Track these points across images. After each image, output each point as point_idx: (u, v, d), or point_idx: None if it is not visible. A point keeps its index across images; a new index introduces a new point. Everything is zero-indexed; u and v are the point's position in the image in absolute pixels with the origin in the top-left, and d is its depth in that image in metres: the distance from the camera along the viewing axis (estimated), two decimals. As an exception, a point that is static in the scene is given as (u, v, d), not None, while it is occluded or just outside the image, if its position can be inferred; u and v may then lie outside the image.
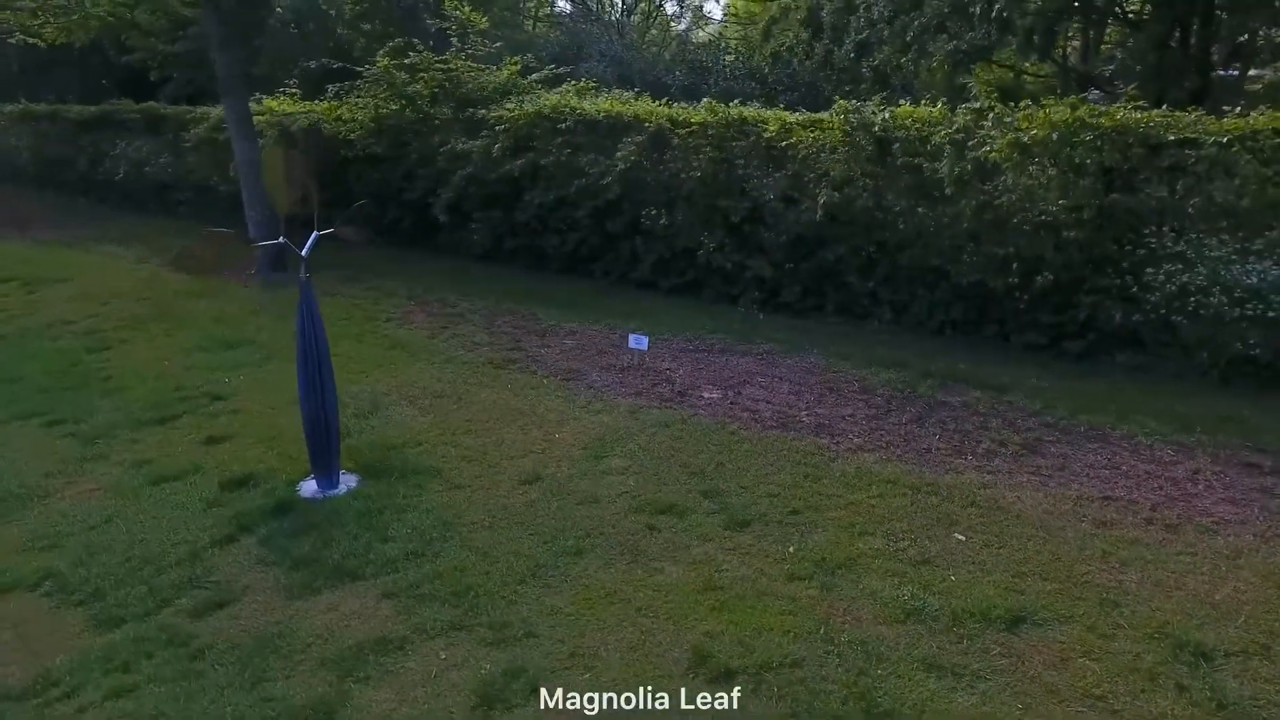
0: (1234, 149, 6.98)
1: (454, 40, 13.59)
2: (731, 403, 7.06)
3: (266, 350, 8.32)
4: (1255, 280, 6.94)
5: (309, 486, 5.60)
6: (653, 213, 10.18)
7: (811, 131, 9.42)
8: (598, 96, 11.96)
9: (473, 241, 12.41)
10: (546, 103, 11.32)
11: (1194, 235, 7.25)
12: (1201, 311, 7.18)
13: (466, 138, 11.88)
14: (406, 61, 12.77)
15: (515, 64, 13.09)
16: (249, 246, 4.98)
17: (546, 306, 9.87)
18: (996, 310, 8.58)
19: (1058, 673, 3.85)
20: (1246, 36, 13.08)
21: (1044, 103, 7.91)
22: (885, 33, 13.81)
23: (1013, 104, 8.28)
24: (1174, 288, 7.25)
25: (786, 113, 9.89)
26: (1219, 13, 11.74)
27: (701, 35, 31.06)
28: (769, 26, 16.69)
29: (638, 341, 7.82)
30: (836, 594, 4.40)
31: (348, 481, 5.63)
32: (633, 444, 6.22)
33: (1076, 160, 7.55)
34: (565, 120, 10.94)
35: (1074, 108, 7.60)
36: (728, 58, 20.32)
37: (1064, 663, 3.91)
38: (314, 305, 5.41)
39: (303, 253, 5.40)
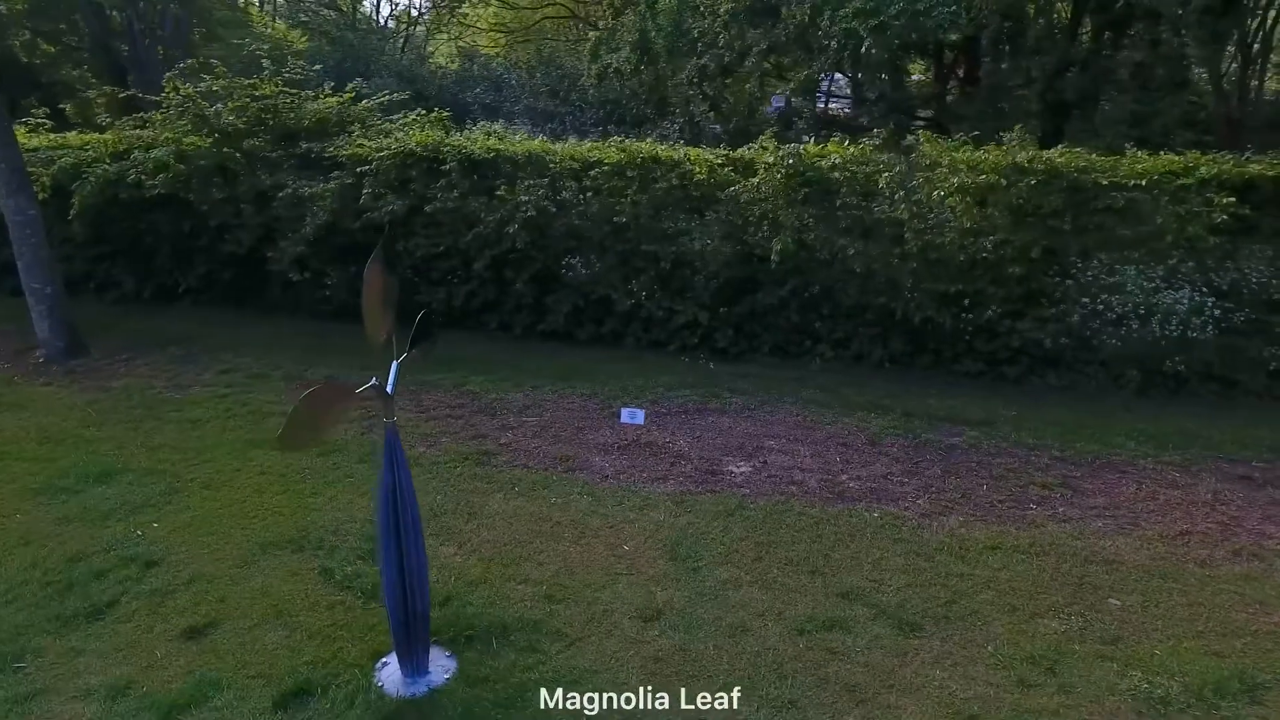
0: (1153, 191, 7.85)
1: (265, 63, 11.57)
2: (769, 476, 6.60)
3: (163, 477, 6.38)
4: (1177, 305, 7.87)
5: (391, 676, 4.29)
6: (572, 260, 9.37)
7: (743, 174, 9.20)
8: (455, 131, 10.81)
9: (320, 299, 10.70)
10: (417, 139, 9.99)
11: (1122, 267, 8.07)
12: (1134, 335, 8.01)
13: (298, 178, 10.18)
14: (215, 88, 10.67)
15: (350, 92, 11.46)
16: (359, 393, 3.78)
17: (464, 372, 8.68)
18: (933, 342, 8.97)
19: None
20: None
21: (988, 148, 8.36)
22: (727, 58, 14.00)
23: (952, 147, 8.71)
24: (1112, 315, 8.01)
25: (708, 152, 9.59)
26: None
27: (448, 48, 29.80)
28: (597, 47, 16.27)
29: (632, 416, 7.11)
30: (1077, 694, 4.18)
31: (440, 662, 4.39)
32: (715, 545, 5.55)
33: (1017, 202, 8.07)
34: (447, 160, 9.72)
35: (1013, 154, 8.13)
36: (531, 73, 19.66)
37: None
38: (401, 453, 4.14)
39: (389, 388, 4.12)
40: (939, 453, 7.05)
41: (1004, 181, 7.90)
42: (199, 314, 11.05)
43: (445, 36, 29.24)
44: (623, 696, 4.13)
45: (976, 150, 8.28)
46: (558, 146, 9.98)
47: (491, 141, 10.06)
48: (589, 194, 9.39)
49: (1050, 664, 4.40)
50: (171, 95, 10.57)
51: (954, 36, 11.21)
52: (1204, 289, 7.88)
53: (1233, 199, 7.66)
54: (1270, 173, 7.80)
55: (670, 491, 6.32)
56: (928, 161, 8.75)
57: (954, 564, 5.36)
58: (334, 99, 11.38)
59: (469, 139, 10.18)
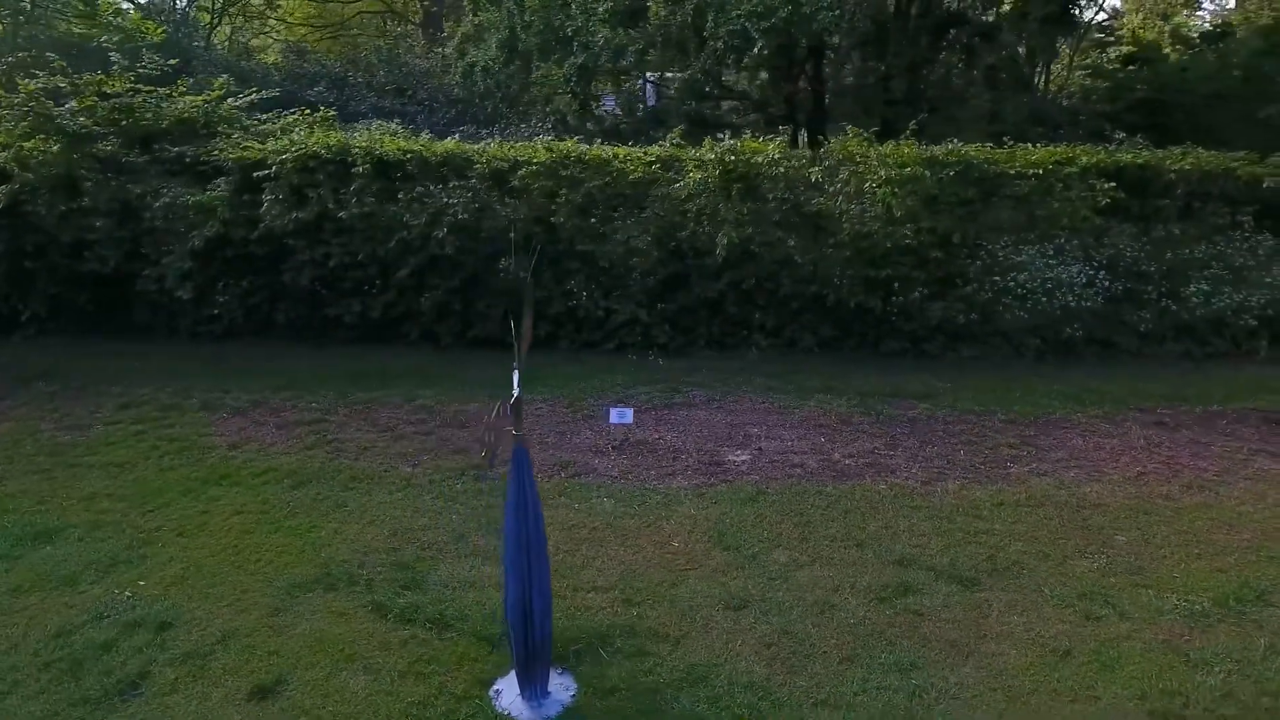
0: (1047, 179, 8.81)
1: (114, 57, 10.22)
2: (769, 461, 6.75)
3: (117, 530, 5.51)
4: (1073, 280, 8.89)
5: (513, 702, 3.99)
6: (505, 264, 9.07)
7: (667, 171, 9.31)
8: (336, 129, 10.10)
9: (205, 319, 9.71)
10: (320, 141, 9.26)
11: (1023, 248, 8.98)
12: (1038, 308, 8.95)
13: (167, 185, 9.19)
14: (63, 85, 9.33)
15: (220, 87, 10.41)
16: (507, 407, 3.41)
17: (405, 386, 8.21)
18: (860, 325, 9.54)
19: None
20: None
21: (906, 143, 8.97)
22: (604, 58, 14.01)
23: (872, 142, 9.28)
24: (1021, 291, 8.90)
25: (637, 150, 9.60)
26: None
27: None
28: (463, 44, 15.70)
29: (621, 416, 7.00)
30: (1137, 620, 4.63)
31: (555, 680, 4.14)
32: (757, 532, 5.61)
33: (933, 193, 8.77)
34: (358, 163, 9.09)
35: (932, 147, 8.82)
36: (372, 71, 18.66)
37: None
38: (530, 474, 3.87)
39: (509, 408, 3.84)
40: (906, 425, 7.52)
41: (926, 173, 8.56)
42: (52, 344, 9.63)
43: (251, 30, 27.09)
44: (757, 685, 4.11)
45: (899, 146, 8.87)
46: (479, 146, 9.61)
47: (403, 142, 9.51)
48: (518, 195, 9.14)
49: (1103, 598, 4.86)
50: (23, 89, 9.10)
51: (836, 39, 11.97)
52: (1091, 264, 8.96)
53: (1112, 184, 8.77)
54: (1137, 161, 9.00)
55: (686, 486, 6.31)
56: (840, 157, 9.31)
57: (973, 523, 5.76)
58: (197, 98, 10.30)
59: (374, 139, 9.56)
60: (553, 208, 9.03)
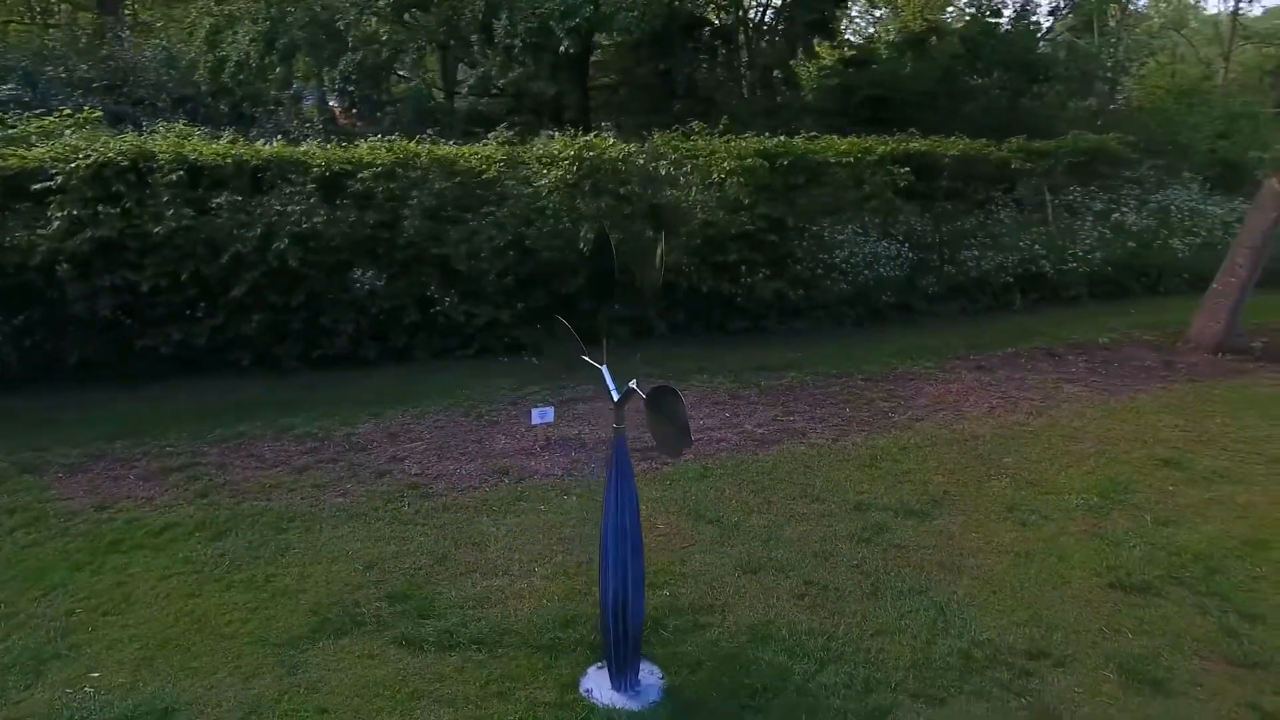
0: (857, 166, 9.97)
1: None
2: (695, 440, 7.04)
3: (22, 623, 4.46)
4: (884, 253, 10.16)
5: (607, 693, 3.91)
6: (363, 273, 8.44)
7: (514, 169, 9.20)
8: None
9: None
10: (114, 146, 7.95)
11: (842, 227, 10.09)
12: (858, 279, 10.12)
13: None
14: None
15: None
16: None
17: (266, 417, 7.38)
18: (707, 308, 10.14)
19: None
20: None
21: (746, 137, 9.64)
22: (385, 54, 13.35)
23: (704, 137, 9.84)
24: (845, 266, 10.00)
25: (485, 149, 9.34)
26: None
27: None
28: (213, 35, 14.00)
29: (542, 416, 6.90)
30: (1072, 520, 5.55)
31: (645, 671, 4.10)
32: (726, 504, 5.85)
33: (768, 182, 9.57)
34: (166, 170, 7.96)
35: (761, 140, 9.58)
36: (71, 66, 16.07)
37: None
38: (628, 465, 3.80)
39: (614, 394, 3.73)
40: (788, 393, 8.20)
41: (764, 164, 9.32)
42: None
43: None
44: (816, 630, 4.39)
45: (738, 139, 9.54)
46: (308, 149, 8.80)
47: (219, 145, 8.45)
48: (363, 199, 8.55)
49: (1023, 508, 5.76)
50: None
51: (632, 37, 12.43)
52: (895, 239, 10.32)
53: (907, 169, 10.15)
54: (923, 148, 10.49)
55: (642, 471, 6.40)
56: (662, 152, 9.82)
57: (894, 466, 6.50)
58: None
59: (181, 143, 8.40)
60: (405, 212, 8.56)
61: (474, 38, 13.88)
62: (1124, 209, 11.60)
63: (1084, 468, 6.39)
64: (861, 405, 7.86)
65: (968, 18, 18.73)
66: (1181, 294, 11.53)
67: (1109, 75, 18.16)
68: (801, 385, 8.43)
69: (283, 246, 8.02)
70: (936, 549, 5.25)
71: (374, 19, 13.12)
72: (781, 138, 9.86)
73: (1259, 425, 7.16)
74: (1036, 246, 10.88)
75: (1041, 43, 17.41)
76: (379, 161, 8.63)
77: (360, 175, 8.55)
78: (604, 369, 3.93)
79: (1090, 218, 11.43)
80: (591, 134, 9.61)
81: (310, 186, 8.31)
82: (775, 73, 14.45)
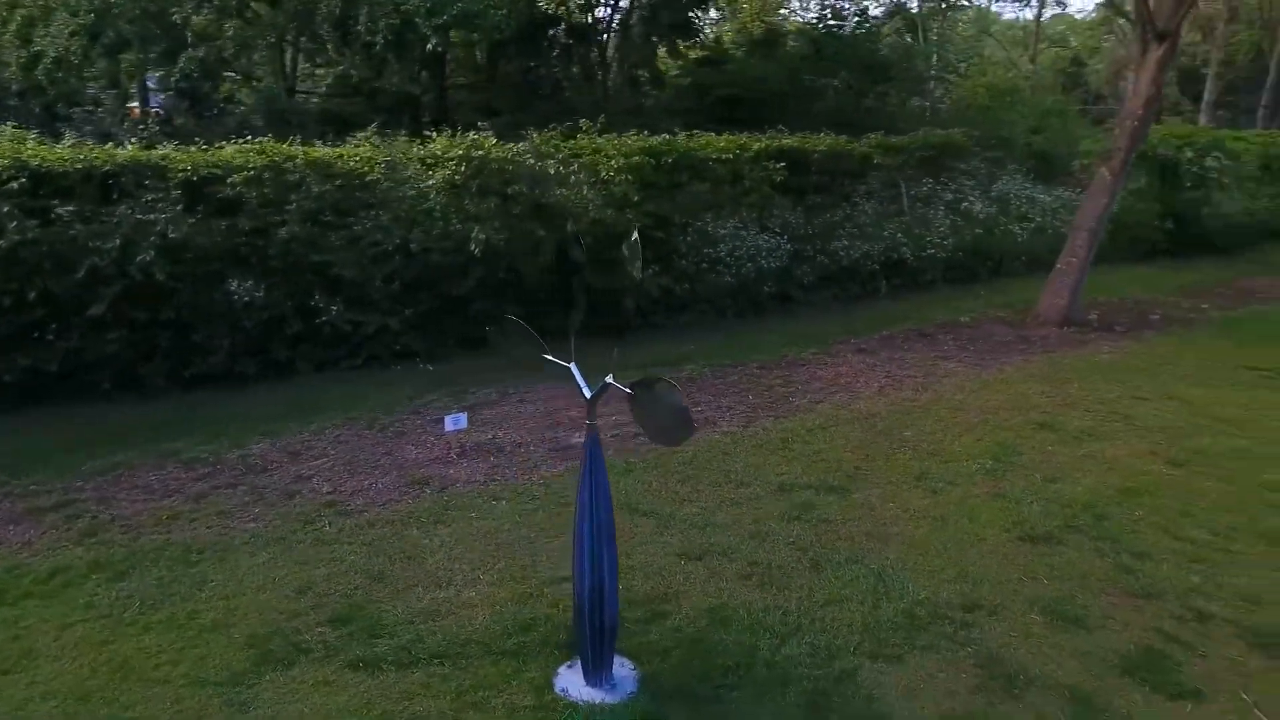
0: (735, 162, 10.29)
1: None
2: (610, 436, 7.03)
3: None
4: (765, 246, 10.55)
5: (582, 689, 3.89)
6: (244, 285, 7.89)
7: (393, 171, 8.87)
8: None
9: None
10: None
11: (723, 221, 10.39)
12: (741, 271, 10.47)
13: None
14: None
15: None
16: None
17: (139, 447, 6.73)
18: (596, 308, 10.15)
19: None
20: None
21: (630, 136, 9.71)
22: (227, 51, 12.50)
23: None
24: (730, 259, 10.30)
25: (367, 149, 8.93)
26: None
27: None
28: (26, 29, 12.55)
29: (455, 422, 6.73)
30: (961, 485, 6.00)
31: (616, 663, 4.08)
32: (655, 494, 5.93)
33: (654, 179, 9.72)
34: (6, 179, 7.15)
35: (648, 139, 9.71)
36: None
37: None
38: (601, 460, 3.77)
39: (586, 392, 3.69)
40: (690, 385, 8.36)
41: (650, 161, 9.46)
42: None
43: None
44: (770, 606, 4.55)
45: (623, 137, 9.62)
46: (166, 152, 8.10)
47: (64, 150, 7.65)
48: (234, 205, 7.99)
49: (930, 477, 6.18)
50: None
51: (502, 35, 12.22)
52: (773, 232, 10.74)
53: (782, 164, 10.59)
54: (794, 145, 10.97)
55: (556, 472, 6.37)
56: (548, 151, 9.81)
57: (805, 447, 6.79)
58: None
59: (15, 146, 7.53)
60: (282, 217, 8.07)
61: (328, 34, 13.25)
62: (970, 199, 12.62)
63: (974, 435, 6.93)
64: (762, 392, 8.15)
65: (807, 22, 19.75)
66: (1021, 275, 12.69)
67: (940, 76, 19.68)
68: (701, 377, 8.63)
69: (148, 259, 7.37)
70: (862, 521, 5.55)
71: (214, 13, 12.26)
72: (666, 135, 10.05)
73: (1109, 388, 8.02)
74: (899, 236, 11.65)
75: (881, 46, 18.58)
76: (250, 165, 8.08)
77: (230, 180, 7.98)
78: (573, 366, 3.92)
79: (942, 208, 12.37)
80: (472, 133, 9.40)
81: (175, 193, 7.68)
82: (641, 72, 14.68)
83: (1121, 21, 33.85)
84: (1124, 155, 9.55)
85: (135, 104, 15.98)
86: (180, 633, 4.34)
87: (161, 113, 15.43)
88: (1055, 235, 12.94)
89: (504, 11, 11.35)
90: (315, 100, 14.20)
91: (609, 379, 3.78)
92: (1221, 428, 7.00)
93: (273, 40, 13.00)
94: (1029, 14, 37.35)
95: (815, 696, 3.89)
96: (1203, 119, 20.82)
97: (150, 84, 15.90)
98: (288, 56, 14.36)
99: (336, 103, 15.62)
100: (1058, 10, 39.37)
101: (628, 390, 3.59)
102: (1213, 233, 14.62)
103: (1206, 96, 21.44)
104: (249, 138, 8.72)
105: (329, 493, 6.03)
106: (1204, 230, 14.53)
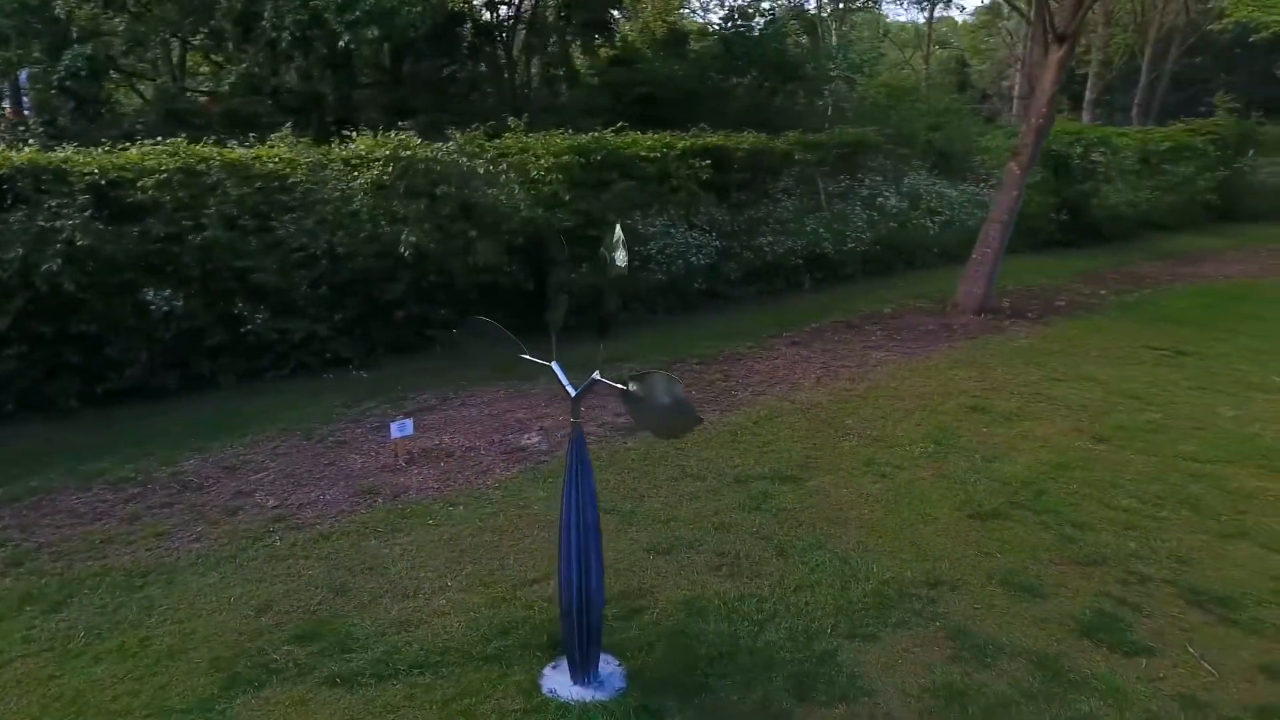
0: (664, 160, 10.36)
1: None
2: (562, 436, 6.99)
3: None
4: (697, 242, 10.66)
5: (571, 690, 3.86)
6: (160, 294, 7.46)
7: (313, 172, 8.56)
8: None
9: None
10: None
11: (654, 219, 10.45)
12: (673, 268, 10.55)
13: None
14: None
15: None
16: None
17: (62, 465, 6.30)
18: (528, 307, 10.05)
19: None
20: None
21: (553, 133, 9.63)
22: (122, 46, 11.79)
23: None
24: (663, 257, 10.37)
25: (285, 149, 8.55)
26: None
27: None
28: None
29: (401, 429, 6.56)
30: (908, 469, 6.24)
31: (608, 668, 4.05)
32: (614, 491, 5.92)
33: (582, 179, 9.69)
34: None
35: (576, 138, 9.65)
36: None
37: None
38: (586, 457, 3.73)
39: (571, 390, 3.64)
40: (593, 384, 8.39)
41: (579, 160, 9.43)
42: None
43: None
44: (745, 594, 4.62)
45: (550, 135, 9.55)
46: (68, 154, 7.58)
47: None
48: (147, 210, 7.56)
49: (877, 462, 6.39)
50: None
51: (415, 34, 11.91)
52: (702, 229, 10.87)
53: (708, 161, 10.73)
54: (718, 142, 11.12)
55: (512, 475, 6.30)
56: (476, 150, 9.68)
57: (754, 438, 6.92)
58: None
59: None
60: (199, 222, 7.68)
61: (228, 30, 12.67)
62: (885, 194, 13.10)
63: (913, 421, 7.20)
64: (704, 387, 8.25)
65: (709, 23, 20.05)
66: (935, 267, 13.25)
67: (846, 76, 20.29)
68: (664, 367, 8.64)
69: (55, 268, 6.89)
70: (819, 507, 5.69)
71: (101, 6, 11.54)
72: (595, 133, 10.04)
73: (1029, 371, 8.47)
74: (821, 231, 11.98)
75: (790, 46, 19.03)
76: (163, 167, 7.65)
77: (142, 184, 7.53)
78: (554, 365, 3.88)
79: (859, 204, 12.78)
80: (396, 133, 9.16)
81: (82, 198, 7.19)
82: (557, 71, 14.58)
83: (1004, 25, 35.77)
84: (1031, 151, 10.11)
85: (6, 104, 14.88)
86: (135, 661, 4.08)
87: (29, 113, 14.39)
88: (963, 228, 13.58)
89: (418, 9, 11.09)
90: (202, 100, 13.46)
91: (596, 375, 3.76)
92: (1134, 404, 7.49)
93: (167, 36, 12.30)
94: (918, 15, 39.06)
95: (801, 678, 3.98)
96: (1085, 117, 22.30)
97: (22, 81, 14.85)
98: (175, 53, 13.61)
99: (238, 102, 14.94)
100: (945, 13, 41.25)
101: (620, 387, 3.58)
102: (1101, 223, 15.61)
103: (1088, 95, 22.97)
104: (143, 139, 8.24)
105: (275, 507, 5.78)
106: (1093, 220, 15.51)
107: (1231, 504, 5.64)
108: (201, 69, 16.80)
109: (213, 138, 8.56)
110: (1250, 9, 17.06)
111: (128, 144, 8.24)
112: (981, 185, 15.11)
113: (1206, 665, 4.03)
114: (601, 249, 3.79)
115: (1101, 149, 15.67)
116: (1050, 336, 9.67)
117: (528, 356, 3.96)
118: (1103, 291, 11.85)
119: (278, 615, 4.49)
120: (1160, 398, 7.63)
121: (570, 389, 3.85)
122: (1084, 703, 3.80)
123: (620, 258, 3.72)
